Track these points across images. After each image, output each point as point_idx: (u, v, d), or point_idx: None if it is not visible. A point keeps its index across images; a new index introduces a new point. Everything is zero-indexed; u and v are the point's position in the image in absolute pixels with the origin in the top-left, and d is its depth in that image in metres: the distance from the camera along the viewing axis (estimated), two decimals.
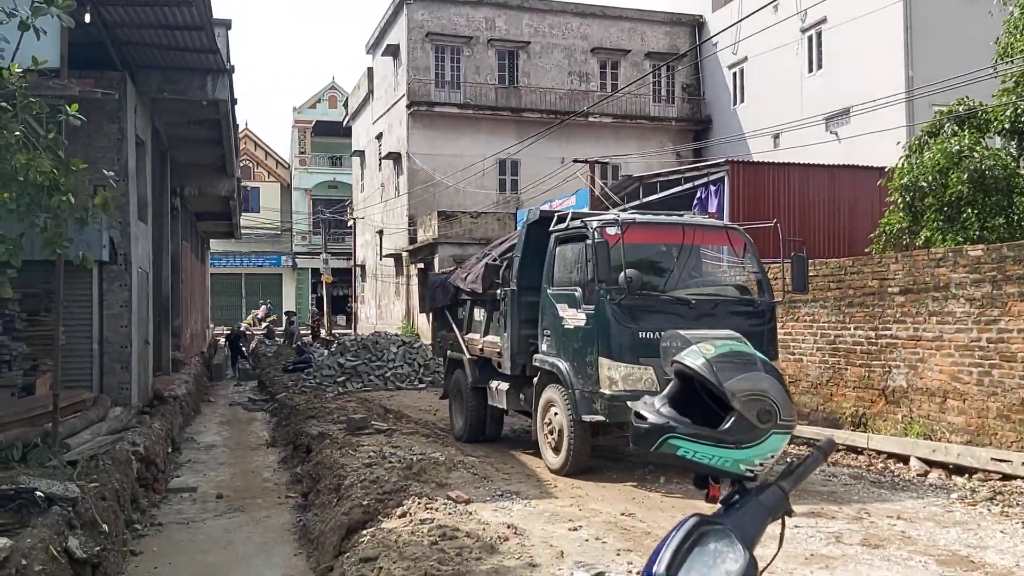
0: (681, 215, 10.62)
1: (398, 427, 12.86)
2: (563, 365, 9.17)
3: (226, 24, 16.38)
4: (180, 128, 18.21)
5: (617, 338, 8.61)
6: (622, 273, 8.43)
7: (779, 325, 12.47)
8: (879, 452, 10.12)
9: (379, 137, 37.86)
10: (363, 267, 42.65)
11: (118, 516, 8.61)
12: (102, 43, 12.81)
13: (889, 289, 10.58)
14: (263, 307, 48.84)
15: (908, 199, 12.77)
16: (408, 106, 32.60)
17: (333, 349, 23.17)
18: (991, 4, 26.74)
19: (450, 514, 6.85)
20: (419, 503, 7.13)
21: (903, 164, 13.47)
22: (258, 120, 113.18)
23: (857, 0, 25.25)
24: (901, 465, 9.58)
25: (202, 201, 26.11)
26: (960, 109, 13.58)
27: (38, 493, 7.26)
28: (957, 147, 12.18)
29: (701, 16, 35.98)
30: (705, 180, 19.38)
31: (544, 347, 9.73)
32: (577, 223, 9.55)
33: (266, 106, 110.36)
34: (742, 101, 33.25)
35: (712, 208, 18.96)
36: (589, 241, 8.92)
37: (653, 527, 6.63)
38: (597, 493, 8.17)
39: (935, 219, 12.42)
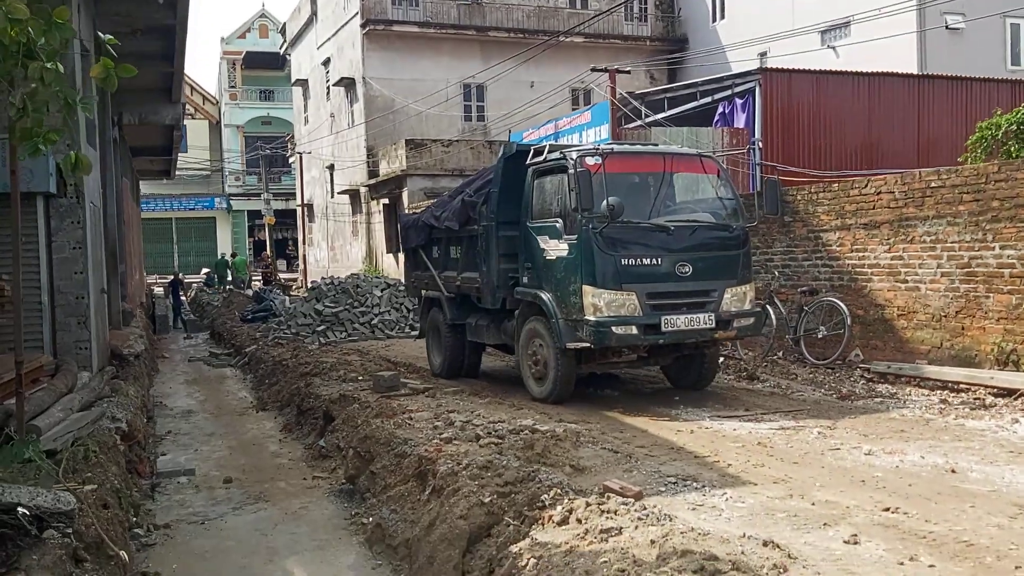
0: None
1: (436, 385, 10.64)
2: (546, 295, 9.30)
3: None
4: (124, 39, 15.16)
5: (600, 266, 8.80)
6: (604, 201, 8.60)
7: (887, 248, 10.65)
8: None
9: (326, 63, 34.68)
10: (310, 206, 39.56)
11: (124, 529, 6.28)
12: None
13: None
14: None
15: None
16: (363, 25, 29.59)
17: (307, 295, 20.63)
18: None
19: (640, 519, 4.72)
20: (587, 504, 4.98)
21: None
22: None
23: None
24: None
25: (141, 132, 22.90)
26: None
27: (22, 511, 4.89)
28: None
29: None
30: (729, 93, 17.28)
31: (525, 279, 9.82)
32: (556, 155, 9.61)
33: (188, 36, 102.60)
34: (722, 18, 31.09)
35: (740, 123, 16.95)
36: (571, 171, 8.96)
37: (957, 531, 4.62)
38: (781, 469, 6.14)
39: None
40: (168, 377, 16.88)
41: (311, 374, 12.59)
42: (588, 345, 8.84)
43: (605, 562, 4.21)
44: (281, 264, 47.07)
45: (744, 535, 4.36)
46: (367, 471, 7.76)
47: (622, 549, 4.31)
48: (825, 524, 4.73)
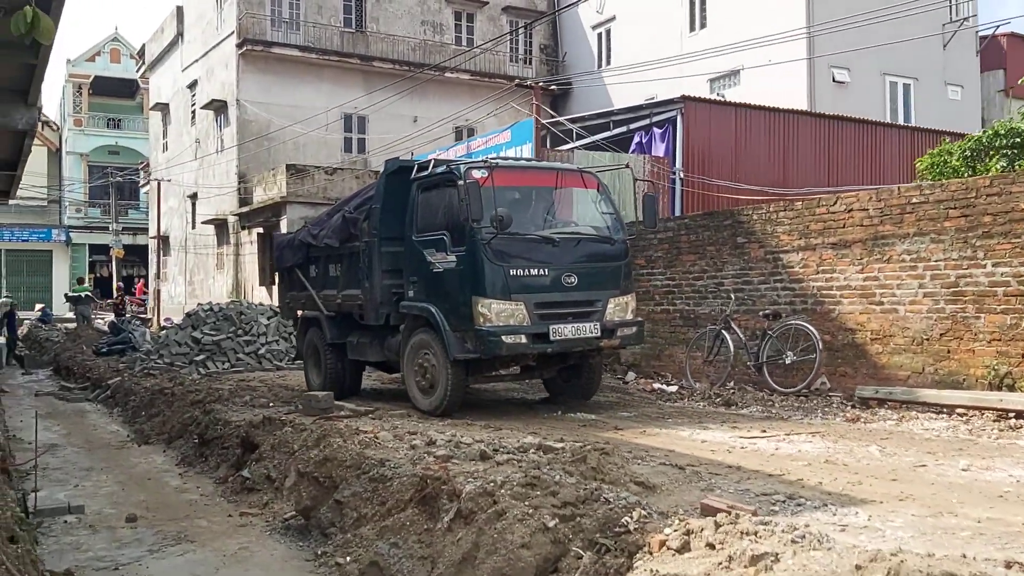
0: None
1: (377, 407, 9.22)
2: (434, 308, 9.31)
3: None
4: None
5: (490, 276, 8.90)
6: (492, 212, 8.63)
7: (859, 269, 10.07)
8: None
9: (192, 85, 32.42)
10: (166, 239, 36.66)
11: (36, 569, 4.59)
12: None
13: None
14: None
15: None
16: (239, 45, 27.72)
17: (181, 322, 18.58)
18: None
19: (794, 542, 3.57)
20: (715, 524, 3.80)
21: None
22: None
23: None
24: None
25: None
26: None
27: None
28: None
29: None
30: (648, 122, 16.76)
31: (411, 293, 9.82)
32: (442, 169, 9.80)
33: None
34: (608, 63, 31.09)
35: (660, 152, 16.41)
36: (461, 183, 9.00)
37: None
38: (884, 487, 5.15)
39: None
40: (14, 411, 14.45)
41: (208, 401, 10.87)
42: (478, 356, 8.94)
43: None
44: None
45: (969, 557, 3.28)
46: (329, 501, 6.28)
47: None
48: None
